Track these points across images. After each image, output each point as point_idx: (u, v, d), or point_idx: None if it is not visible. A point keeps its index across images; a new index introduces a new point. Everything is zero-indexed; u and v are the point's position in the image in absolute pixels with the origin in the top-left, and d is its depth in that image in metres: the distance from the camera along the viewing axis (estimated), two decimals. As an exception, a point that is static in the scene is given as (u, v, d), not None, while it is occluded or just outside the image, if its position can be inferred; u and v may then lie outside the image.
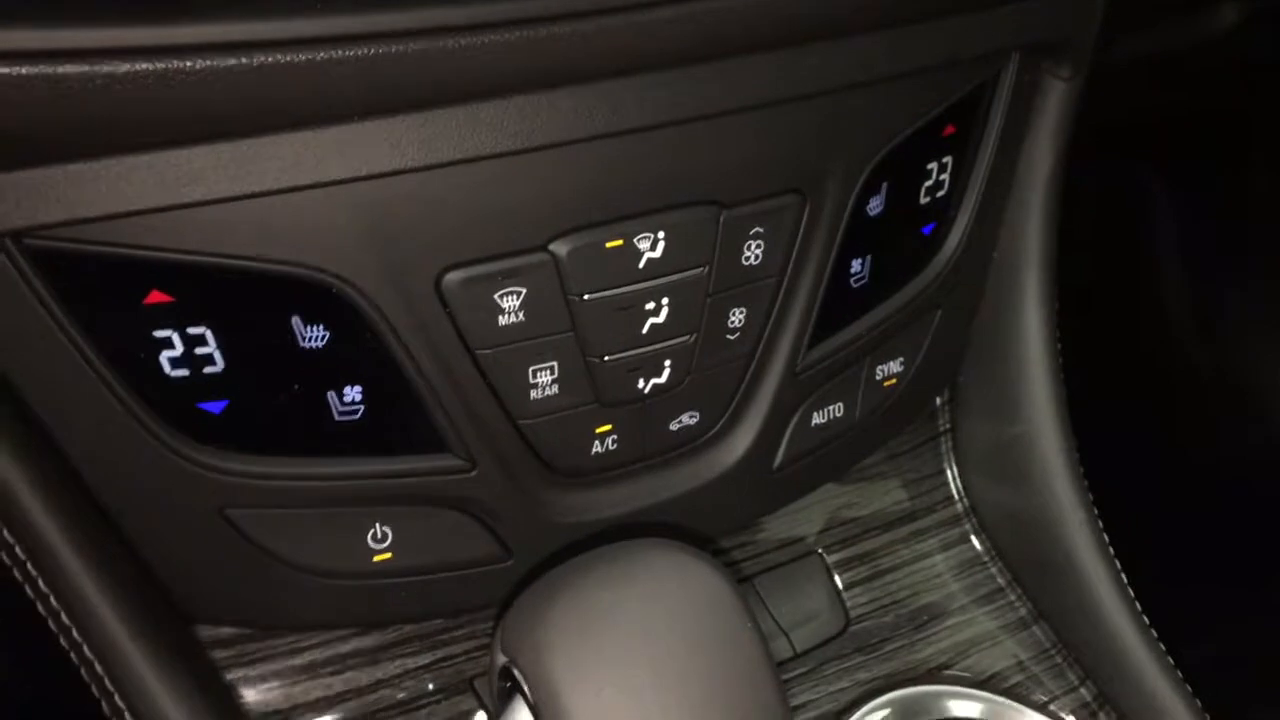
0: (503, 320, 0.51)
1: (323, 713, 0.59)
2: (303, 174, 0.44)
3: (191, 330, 0.47)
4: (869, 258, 0.63)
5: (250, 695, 0.58)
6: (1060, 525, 0.69)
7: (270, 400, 0.50)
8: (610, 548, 0.43)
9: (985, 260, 0.72)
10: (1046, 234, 0.71)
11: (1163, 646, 0.65)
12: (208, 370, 0.48)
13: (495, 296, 0.50)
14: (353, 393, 0.51)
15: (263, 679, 0.58)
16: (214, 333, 0.48)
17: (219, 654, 0.58)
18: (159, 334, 0.47)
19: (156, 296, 0.46)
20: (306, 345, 0.49)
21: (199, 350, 0.48)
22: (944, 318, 0.70)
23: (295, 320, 0.48)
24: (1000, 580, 0.75)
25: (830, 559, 0.73)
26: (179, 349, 0.48)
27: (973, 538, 0.76)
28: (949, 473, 0.77)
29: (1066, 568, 0.69)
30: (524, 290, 0.51)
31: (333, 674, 0.60)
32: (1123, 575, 0.67)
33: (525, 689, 0.38)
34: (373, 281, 0.48)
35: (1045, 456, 0.69)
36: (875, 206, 0.61)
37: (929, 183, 0.64)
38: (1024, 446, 0.71)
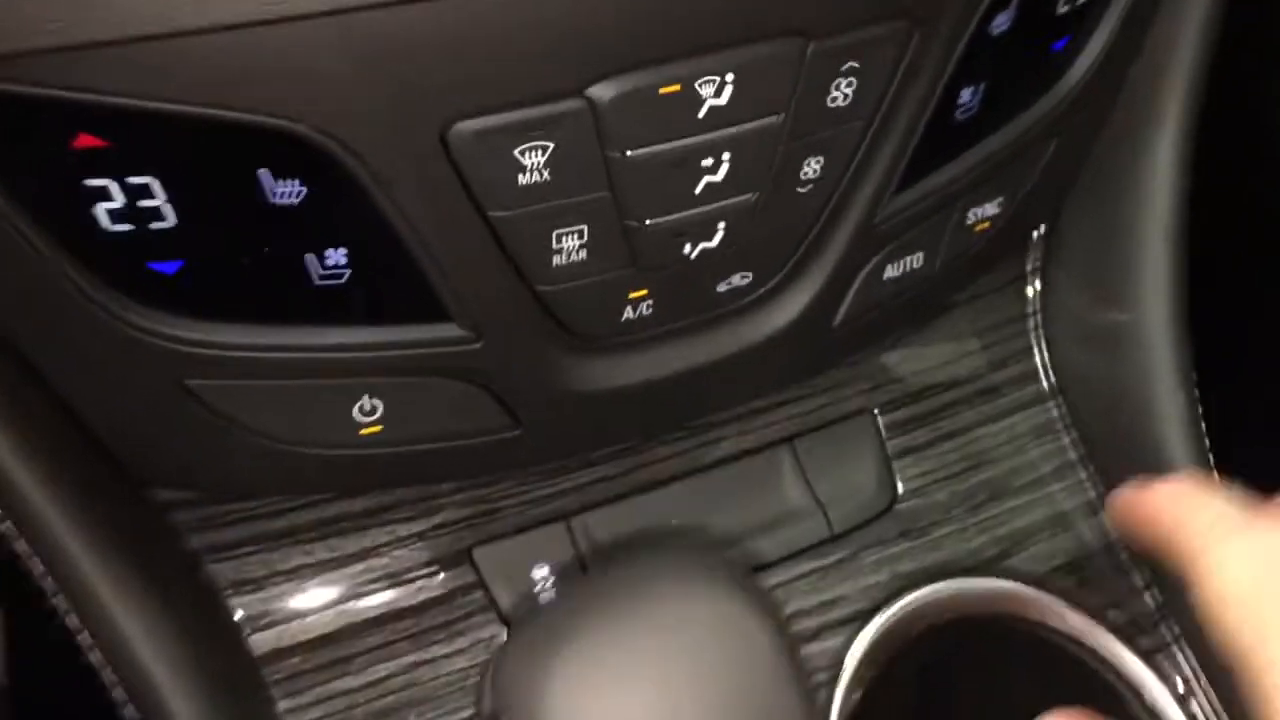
0: (523, 179, 0.44)
1: (303, 581, 0.57)
2: (270, 4, 0.36)
3: (133, 180, 0.41)
4: (983, 85, 0.55)
5: (220, 561, 0.56)
6: (1152, 401, 0.65)
7: (235, 262, 0.44)
8: (629, 571, 0.39)
9: (1120, 79, 0.63)
10: (1200, 50, 0.62)
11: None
12: (155, 226, 0.42)
13: (515, 152, 0.43)
14: (336, 255, 0.45)
15: (235, 544, 0.56)
16: (162, 183, 0.41)
17: (183, 516, 0.55)
18: (94, 183, 0.40)
19: (88, 140, 0.39)
20: (277, 202, 0.42)
21: (143, 203, 0.41)
22: (1059, 148, 0.62)
23: (264, 174, 0.42)
24: (1072, 454, 0.72)
25: (882, 420, 0.69)
26: (119, 201, 0.41)
27: (1052, 407, 0.72)
28: (1032, 327, 0.71)
29: (1151, 451, 0.65)
30: (551, 145, 0.43)
31: (314, 540, 0.57)
32: (1212, 463, 0.63)
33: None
34: (362, 135, 0.41)
35: (1151, 318, 0.63)
36: (1002, 23, 0.52)
37: (1072, -11, 0.55)
38: (1127, 304, 0.65)
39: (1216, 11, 0.62)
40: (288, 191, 0.43)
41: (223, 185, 0.42)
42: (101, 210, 0.42)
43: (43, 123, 0.39)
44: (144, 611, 0.49)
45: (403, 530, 0.59)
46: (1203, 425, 0.65)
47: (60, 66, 0.37)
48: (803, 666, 0.43)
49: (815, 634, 0.65)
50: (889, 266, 0.60)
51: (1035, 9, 0.54)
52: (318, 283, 0.46)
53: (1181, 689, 0.67)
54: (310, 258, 0.45)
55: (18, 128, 0.39)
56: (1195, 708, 0.67)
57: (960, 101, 0.55)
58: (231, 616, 0.57)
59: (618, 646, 0.35)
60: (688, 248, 0.51)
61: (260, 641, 0.57)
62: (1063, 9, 0.56)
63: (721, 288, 0.55)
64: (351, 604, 0.59)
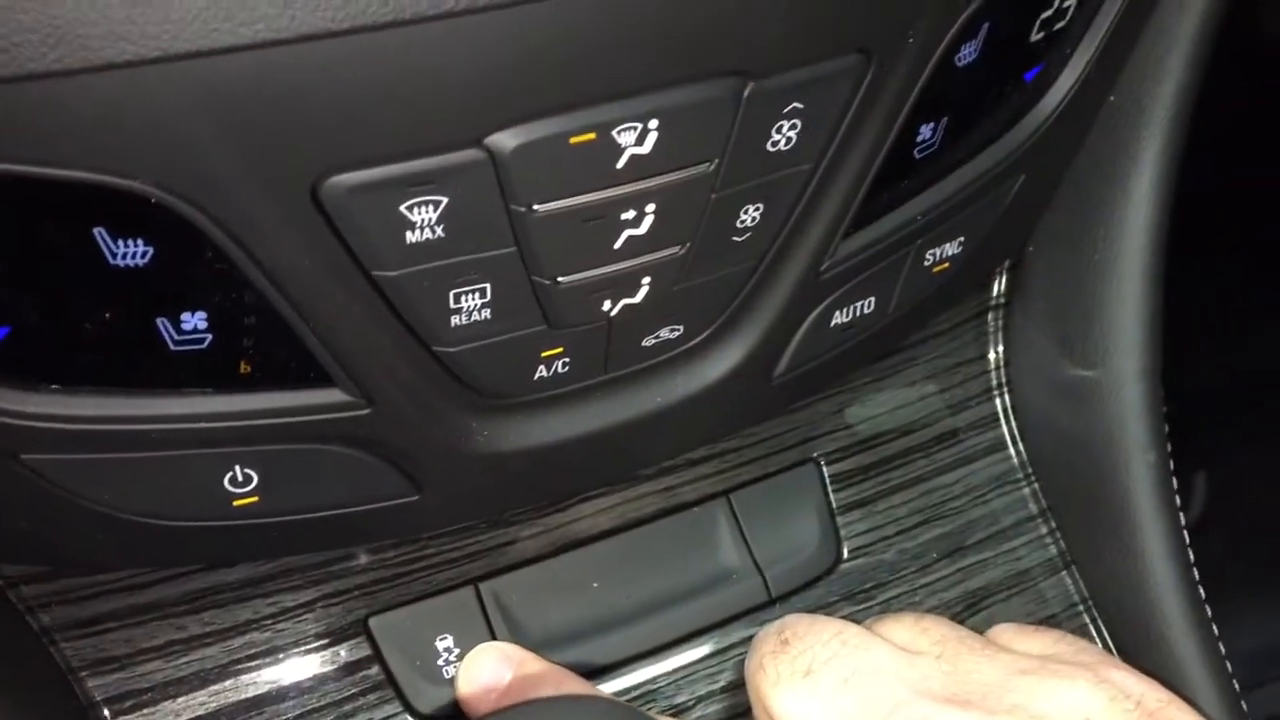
0: (413, 236, 0.39)
1: (173, 660, 0.52)
2: (110, 46, 0.30)
3: (-56, 239, 0.35)
4: (944, 120, 0.50)
5: (76, 639, 0.51)
6: (1120, 457, 0.61)
7: (74, 329, 0.39)
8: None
9: (1094, 111, 0.58)
10: (1185, 82, 0.57)
11: (1214, 631, 0.59)
12: (-25, 288, 0.36)
13: (401, 208, 0.38)
14: (193, 319, 0.40)
15: (94, 620, 0.51)
16: (-20, 243, 0.35)
17: (34, 590, 0.49)
18: (-104, 242, 0.35)
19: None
20: (119, 263, 0.37)
21: (-40, 264, 0.36)
22: (1025, 184, 0.57)
23: (100, 233, 0.36)
24: (1033, 506, 0.68)
25: (828, 470, 0.64)
26: (-70, 262, 0.35)
27: (1011, 453, 0.68)
28: (992, 374, 0.67)
29: (1117, 509, 0.61)
30: (445, 199, 0.38)
31: (187, 614, 0.52)
32: (1185, 537, 0.59)
33: None
34: (214, 193, 0.35)
35: (1119, 380, 0.59)
36: (968, 54, 0.47)
37: (1048, 13, 0.50)
38: (1095, 349, 0.61)
39: (1206, 37, 0.57)
40: (131, 252, 0.37)
41: (54, 245, 0.36)
42: (-90, 271, 0.36)
43: None
44: None
45: (289, 600, 0.54)
46: (1174, 484, 0.61)
47: None
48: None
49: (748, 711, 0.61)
50: (837, 313, 0.55)
51: (1005, 37, 0.49)
52: (174, 348, 0.40)
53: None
54: (163, 321, 0.40)
55: None
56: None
57: (920, 138, 0.50)
58: (90, 699, 0.52)
59: None
60: (608, 304, 0.46)
61: (121, 734, 0.52)
62: (1036, 36, 0.51)
63: (648, 341, 0.50)
64: (230, 682, 0.54)
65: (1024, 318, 0.65)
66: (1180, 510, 0.60)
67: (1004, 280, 0.67)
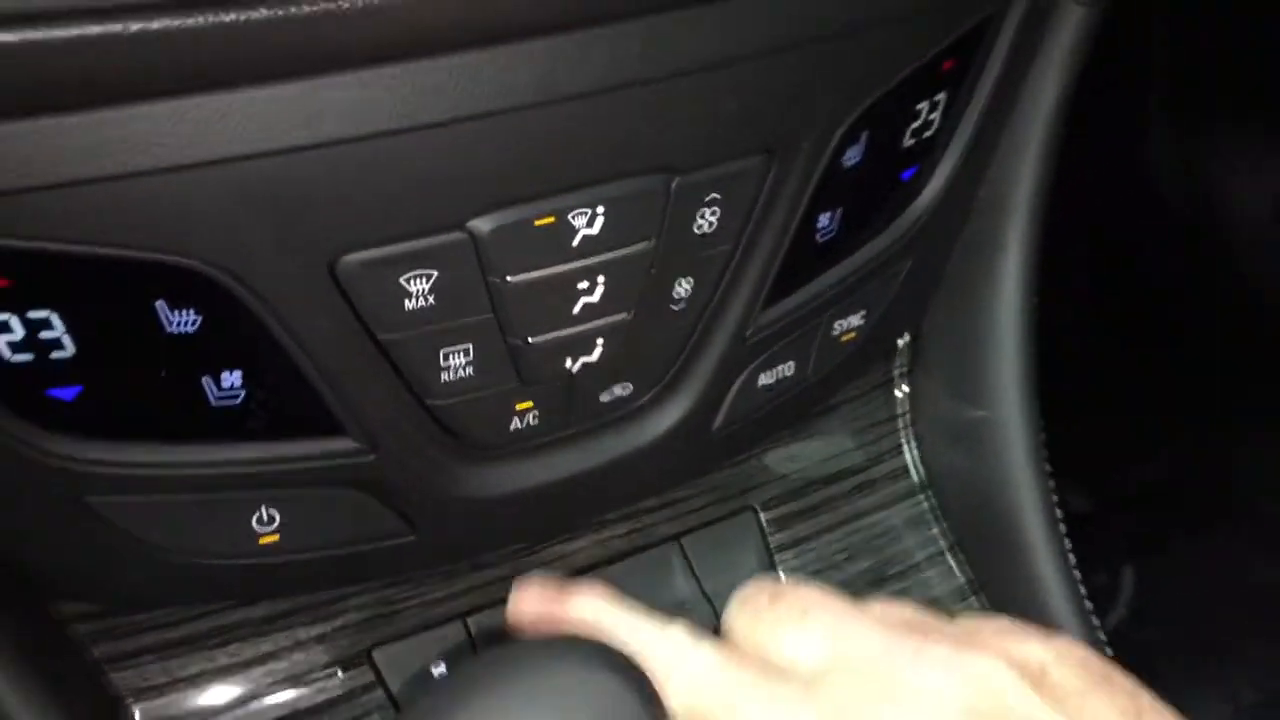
0: (409, 304, 0.46)
1: (205, 686, 0.57)
2: (168, 154, 0.38)
3: (33, 314, 0.41)
4: (839, 211, 0.58)
5: (122, 671, 0.56)
6: (1010, 490, 0.68)
7: (133, 386, 0.45)
8: (512, 652, 0.40)
9: (967, 205, 0.66)
10: (1039, 176, 0.66)
11: (1107, 649, 0.65)
12: (56, 355, 0.43)
13: (401, 280, 0.45)
14: (231, 378, 0.46)
15: (136, 653, 0.56)
16: (61, 316, 0.42)
17: (85, 628, 0.55)
18: (-5, 317, 0.41)
19: (-9, 279, 0.40)
20: (174, 330, 0.43)
21: (44, 335, 0.42)
22: (914, 266, 0.65)
23: (160, 305, 0.43)
24: (942, 543, 0.74)
25: (765, 516, 0.71)
26: (19, 333, 0.42)
27: (920, 494, 0.75)
28: (900, 425, 0.74)
29: (1012, 540, 0.68)
30: (435, 273, 0.45)
31: (215, 647, 0.57)
32: (1072, 559, 0.66)
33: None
34: (254, 269, 0.42)
35: (1006, 431, 0.67)
36: (853, 156, 0.56)
37: (917, 124, 0.58)
38: (985, 400, 0.68)
39: (1053, 142, 0.66)
40: (184, 320, 0.44)
41: (121, 316, 0.43)
42: (2, 341, 0.42)
43: (-55, 262, 0.40)
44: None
45: (303, 634, 0.59)
46: (1057, 511, 0.68)
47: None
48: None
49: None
50: (763, 375, 0.62)
51: (883, 142, 0.57)
52: (214, 403, 0.47)
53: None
54: (207, 380, 0.46)
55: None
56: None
57: (819, 225, 0.58)
58: (133, 722, 0.57)
59: (502, 712, 0.37)
60: (569, 362, 0.52)
61: (161, 754, 0.56)
62: (909, 142, 0.59)
63: (605, 398, 0.57)
64: (253, 705, 0.59)
65: (925, 376, 0.72)
66: (1066, 536, 0.67)
67: (907, 352, 0.75)
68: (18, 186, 0.37)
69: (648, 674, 0.41)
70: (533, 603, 0.49)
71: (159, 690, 0.56)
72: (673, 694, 0.42)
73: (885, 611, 0.46)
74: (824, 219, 0.58)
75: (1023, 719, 0.40)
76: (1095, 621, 0.66)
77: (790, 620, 0.44)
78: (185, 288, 0.42)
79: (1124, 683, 0.43)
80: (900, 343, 0.74)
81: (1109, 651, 0.67)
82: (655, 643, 0.44)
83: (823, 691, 0.41)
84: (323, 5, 0.36)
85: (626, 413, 0.59)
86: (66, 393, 0.44)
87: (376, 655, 0.60)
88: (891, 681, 0.41)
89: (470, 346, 0.49)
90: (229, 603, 0.58)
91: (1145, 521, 1.15)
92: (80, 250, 0.40)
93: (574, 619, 0.47)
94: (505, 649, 0.40)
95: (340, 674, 0.60)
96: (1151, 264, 1.48)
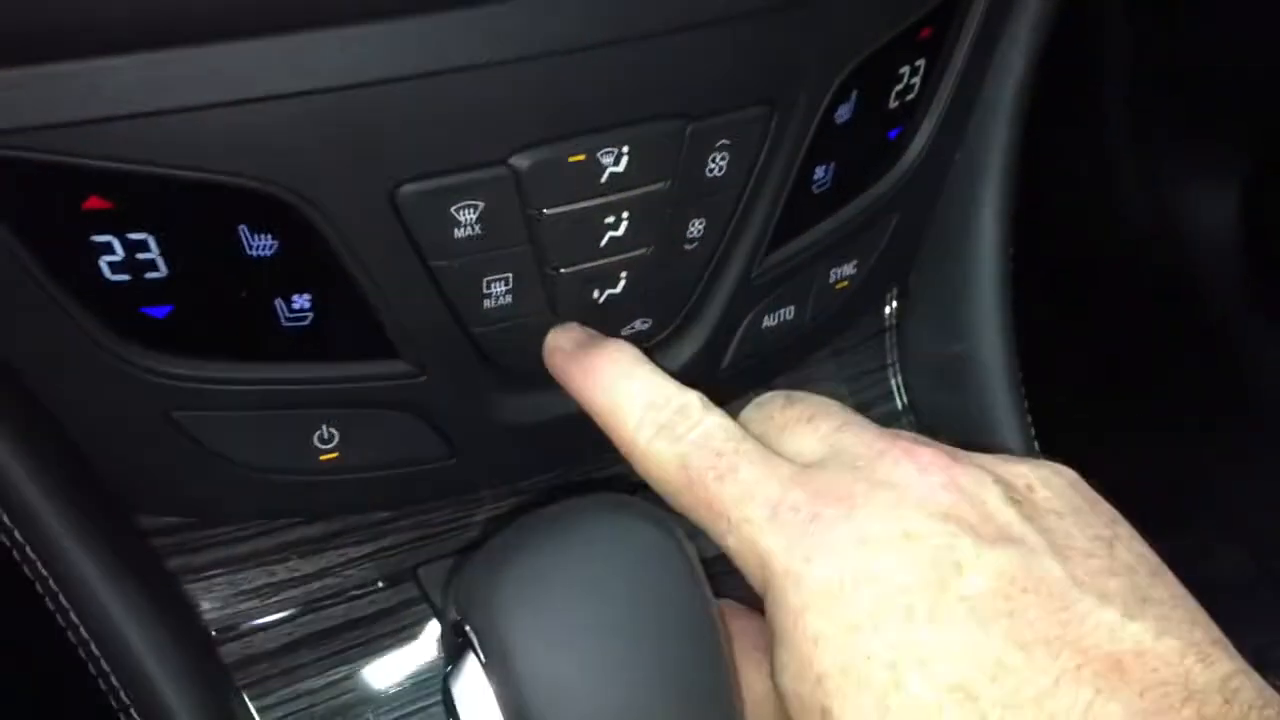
0: (458, 233, 0.50)
1: (267, 599, 0.61)
2: (253, 86, 0.43)
3: (133, 236, 0.46)
4: (833, 164, 0.63)
5: (193, 582, 0.60)
6: (993, 431, 0.73)
7: (216, 306, 0.50)
8: (561, 508, 0.45)
9: (946, 164, 0.72)
10: (1010, 140, 0.71)
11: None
12: (150, 276, 0.47)
13: (452, 209, 0.50)
14: (301, 300, 0.51)
15: (206, 567, 0.60)
16: (156, 239, 0.47)
17: (161, 541, 0.59)
18: (98, 239, 0.46)
19: (95, 203, 0.45)
20: (253, 254, 0.48)
21: (141, 256, 0.47)
22: (901, 221, 0.70)
23: (242, 229, 0.47)
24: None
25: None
26: (120, 254, 0.46)
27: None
28: (891, 370, 0.79)
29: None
30: (481, 204, 0.50)
31: (276, 561, 0.61)
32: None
33: (476, 645, 0.40)
34: (325, 194, 0.47)
35: (986, 366, 0.72)
36: (844, 114, 0.61)
37: (899, 87, 0.63)
38: (966, 354, 0.73)
39: (1022, 110, 0.72)
40: (262, 244, 0.48)
41: (208, 240, 0.48)
42: (104, 262, 0.47)
43: (58, 186, 0.44)
44: (144, 622, 0.53)
45: (354, 552, 0.64)
46: (1035, 445, 0.72)
47: (74, 137, 0.42)
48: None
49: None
50: (766, 317, 0.67)
51: (871, 102, 0.62)
52: (284, 324, 0.51)
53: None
54: (279, 302, 0.51)
55: (36, 189, 0.44)
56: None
57: (815, 178, 0.63)
58: (206, 629, 0.60)
59: (555, 562, 0.41)
60: (596, 293, 0.57)
61: (229, 651, 0.60)
62: (893, 104, 0.65)
63: (625, 332, 0.61)
64: (310, 617, 0.63)
65: (911, 329, 0.77)
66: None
67: (896, 305, 0.80)
68: (122, 113, 0.42)
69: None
70: (569, 341, 0.52)
71: (225, 601, 0.61)
72: (680, 440, 0.44)
73: (895, 431, 0.47)
74: (819, 171, 0.63)
75: (997, 528, 0.41)
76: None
77: (799, 421, 0.47)
78: (265, 212, 0.47)
79: (1107, 511, 0.44)
80: (889, 295, 0.79)
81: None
82: (674, 396, 0.47)
83: (810, 473, 0.43)
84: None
85: (645, 348, 0.63)
86: (159, 311, 0.49)
87: (421, 572, 0.65)
88: (877, 477, 0.42)
89: (510, 276, 0.54)
90: (290, 521, 0.62)
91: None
92: (174, 174, 0.44)
93: (607, 357, 0.50)
94: (562, 507, 0.45)
95: (389, 589, 0.65)
96: (1116, 251, 1.55)
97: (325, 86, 0.44)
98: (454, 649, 0.42)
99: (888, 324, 0.79)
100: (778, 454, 0.46)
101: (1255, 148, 1.51)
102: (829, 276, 0.69)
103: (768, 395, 0.50)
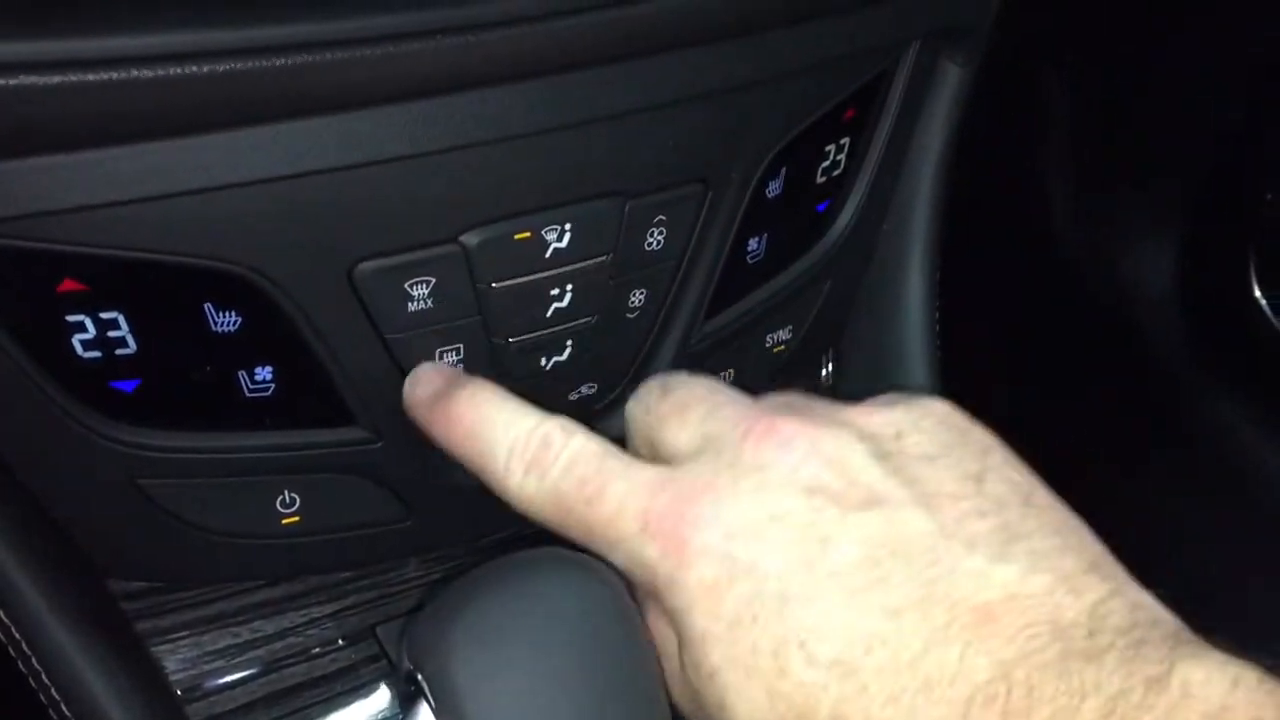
0: (412, 306, 0.53)
1: (231, 659, 0.63)
2: (220, 175, 0.45)
3: (104, 315, 0.48)
4: (765, 236, 0.66)
5: (160, 645, 0.61)
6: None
7: (181, 379, 0.52)
8: (508, 562, 0.47)
9: (874, 234, 0.76)
10: (933, 209, 0.76)
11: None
12: (120, 352, 0.50)
13: (405, 285, 0.52)
14: (263, 373, 0.53)
15: (172, 629, 0.61)
16: (127, 318, 0.49)
17: (129, 606, 0.60)
18: (72, 319, 0.48)
19: (70, 285, 0.47)
20: (219, 330, 0.51)
21: (111, 334, 0.49)
22: (833, 288, 0.74)
23: (208, 307, 0.50)
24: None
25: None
26: (91, 333, 0.49)
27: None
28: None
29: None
30: (434, 279, 0.53)
31: (240, 623, 0.63)
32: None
33: (427, 692, 0.42)
34: (287, 273, 0.50)
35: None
36: (774, 189, 0.64)
37: (826, 163, 0.67)
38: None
39: (944, 183, 0.76)
40: (227, 320, 0.51)
41: (175, 318, 0.50)
42: (77, 340, 0.49)
43: (35, 270, 0.46)
44: (119, 686, 0.54)
45: (316, 612, 0.65)
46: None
47: (51, 225, 0.45)
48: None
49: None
50: (707, 380, 0.70)
51: (799, 178, 0.66)
52: (248, 395, 0.54)
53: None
54: (242, 374, 0.53)
55: (13, 273, 0.46)
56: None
57: (749, 249, 0.66)
58: (173, 689, 0.62)
59: (504, 611, 0.43)
60: (544, 360, 0.60)
61: (195, 711, 0.61)
62: (821, 179, 0.68)
63: (572, 396, 0.64)
64: (273, 675, 0.64)
65: (845, 389, 0.81)
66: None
67: (829, 372, 0.83)
68: (96, 202, 0.45)
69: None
70: (425, 390, 0.51)
71: (191, 662, 0.62)
72: (547, 474, 0.44)
73: (771, 398, 0.47)
74: (753, 242, 0.66)
75: (864, 490, 0.41)
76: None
77: (673, 413, 0.47)
78: (229, 291, 0.49)
79: (978, 440, 0.44)
80: (824, 359, 0.82)
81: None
82: (535, 429, 0.46)
83: (676, 474, 0.43)
84: (346, 53, 0.44)
85: (591, 412, 0.66)
86: (127, 385, 0.51)
87: (380, 631, 0.66)
88: (742, 461, 0.43)
89: (461, 346, 0.56)
90: (251, 585, 0.64)
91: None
92: (144, 257, 0.47)
93: (464, 403, 0.49)
94: (509, 561, 0.47)
95: (349, 648, 0.66)
96: (1050, 308, 1.60)
97: (284, 174, 0.46)
98: (407, 698, 0.44)
99: (823, 384, 0.83)
100: (658, 449, 0.46)
101: (1189, 201, 1.57)
102: (765, 341, 0.73)
103: (645, 384, 0.51)
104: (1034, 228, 1.57)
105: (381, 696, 0.65)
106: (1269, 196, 1.50)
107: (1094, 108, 1.53)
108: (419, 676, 0.42)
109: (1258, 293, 1.51)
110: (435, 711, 0.41)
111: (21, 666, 0.52)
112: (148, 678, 0.56)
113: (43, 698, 0.52)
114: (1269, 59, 1.39)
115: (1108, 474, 1.43)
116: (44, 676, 0.52)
